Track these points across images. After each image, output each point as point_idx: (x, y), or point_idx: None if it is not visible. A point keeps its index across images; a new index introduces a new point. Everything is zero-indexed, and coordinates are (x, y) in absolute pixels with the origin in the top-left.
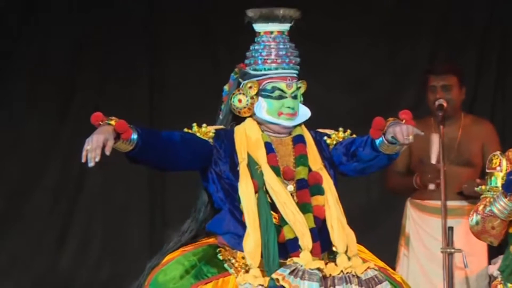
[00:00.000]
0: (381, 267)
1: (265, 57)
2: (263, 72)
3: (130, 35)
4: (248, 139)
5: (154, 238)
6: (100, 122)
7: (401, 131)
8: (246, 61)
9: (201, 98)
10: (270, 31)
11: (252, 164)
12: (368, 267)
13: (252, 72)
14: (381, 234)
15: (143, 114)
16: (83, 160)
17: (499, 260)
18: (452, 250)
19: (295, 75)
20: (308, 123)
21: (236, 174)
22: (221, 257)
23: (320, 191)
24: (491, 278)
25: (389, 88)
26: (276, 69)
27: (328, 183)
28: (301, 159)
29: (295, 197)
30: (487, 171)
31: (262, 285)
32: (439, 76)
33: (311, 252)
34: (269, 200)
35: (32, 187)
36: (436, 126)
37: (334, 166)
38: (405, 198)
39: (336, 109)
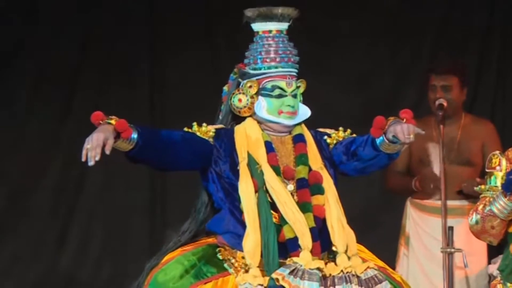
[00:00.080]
0: (380, 266)
1: (264, 56)
2: (262, 71)
3: (130, 35)
4: (248, 139)
5: (154, 238)
6: (100, 121)
7: (402, 130)
8: (245, 61)
9: (201, 98)
10: (269, 30)
11: (252, 164)
12: (368, 267)
13: (252, 72)
14: (381, 234)
15: (143, 114)
16: (83, 159)
17: (499, 259)
18: (452, 250)
19: (294, 74)
20: (308, 123)
21: (236, 174)
22: (220, 257)
23: (320, 191)
24: (491, 278)
25: (389, 87)
26: (276, 67)
27: (328, 183)
28: (302, 158)
29: (295, 197)
30: (487, 170)
31: (261, 285)
32: (440, 76)
33: (311, 251)
34: (269, 199)
35: (32, 187)
36: (437, 126)
37: (334, 166)
38: (405, 198)
39: (336, 108)
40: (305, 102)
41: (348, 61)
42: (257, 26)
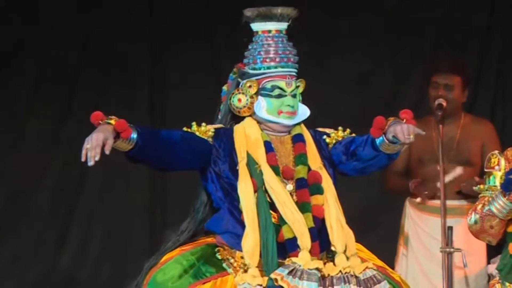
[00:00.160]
0: (380, 266)
1: (264, 56)
2: (262, 71)
3: (130, 35)
4: (247, 138)
5: (154, 238)
6: (100, 121)
7: (402, 130)
8: (245, 60)
9: (201, 98)
10: (268, 30)
11: (251, 163)
12: (367, 267)
13: (251, 71)
14: (380, 234)
15: (143, 114)
16: (83, 159)
17: (498, 259)
18: (452, 250)
19: (294, 74)
20: (308, 123)
21: (235, 173)
22: (219, 257)
23: (320, 191)
24: (490, 278)
25: (389, 87)
26: (275, 67)
27: (327, 182)
28: (301, 158)
29: (294, 197)
30: (486, 170)
31: (260, 285)
32: (443, 75)
33: (310, 251)
34: (268, 199)
35: (32, 187)
36: (436, 125)
37: (334, 165)
38: (404, 198)
39: (336, 108)
40: (305, 102)
41: (348, 61)
42: (256, 26)
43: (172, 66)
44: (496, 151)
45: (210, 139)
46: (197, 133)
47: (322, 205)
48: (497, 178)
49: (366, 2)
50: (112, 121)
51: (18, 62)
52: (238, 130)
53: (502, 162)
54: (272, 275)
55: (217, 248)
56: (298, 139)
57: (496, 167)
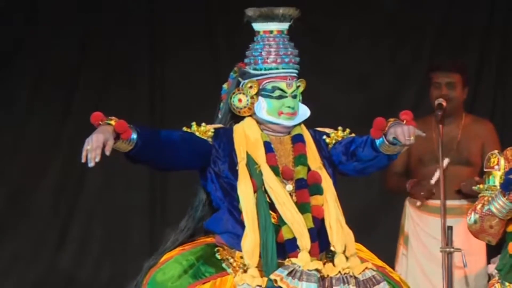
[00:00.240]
0: (379, 266)
1: (265, 57)
2: (263, 71)
3: (130, 35)
4: (247, 139)
5: (154, 238)
6: (100, 122)
7: (402, 132)
8: (246, 60)
9: (201, 98)
10: (270, 30)
11: (251, 164)
12: (366, 268)
13: (252, 72)
14: (380, 234)
15: (143, 114)
16: (83, 160)
17: (498, 259)
18: (452, 250)
19: (295, 75)
20: (308, 123)
21: (235, 174)
22: (219, 257)
23: (319, 191)
24: (490, 277)
25: (389, 88)
26: (276, 68)
27: (327, 182)
28: (301, 159)
29: (294, 197)
30: (485, 170)
31: (260, 286)
32: (445, 73)
33: (310, 252)
34: (268, 199)
35: (32, 187)
36: (436, 125)
37: (333, 165)
38: (404, 198)
39: (336, 109)
40: (305, 102)
41: (348, 62)
42: (258, 26)
43: (172, 66)
44: (496, 151)
45: (209, 139)
46: (197, 133)
47: (322, 205)
48: (496, 178)
49: (366, 2)
50: (112, 122)
51: (18, 62)
52: (238, 130)
53: (502, 161)
54: (272, 276)
55: (216, 248)
56: (298, 139)
57: (496, 167)
